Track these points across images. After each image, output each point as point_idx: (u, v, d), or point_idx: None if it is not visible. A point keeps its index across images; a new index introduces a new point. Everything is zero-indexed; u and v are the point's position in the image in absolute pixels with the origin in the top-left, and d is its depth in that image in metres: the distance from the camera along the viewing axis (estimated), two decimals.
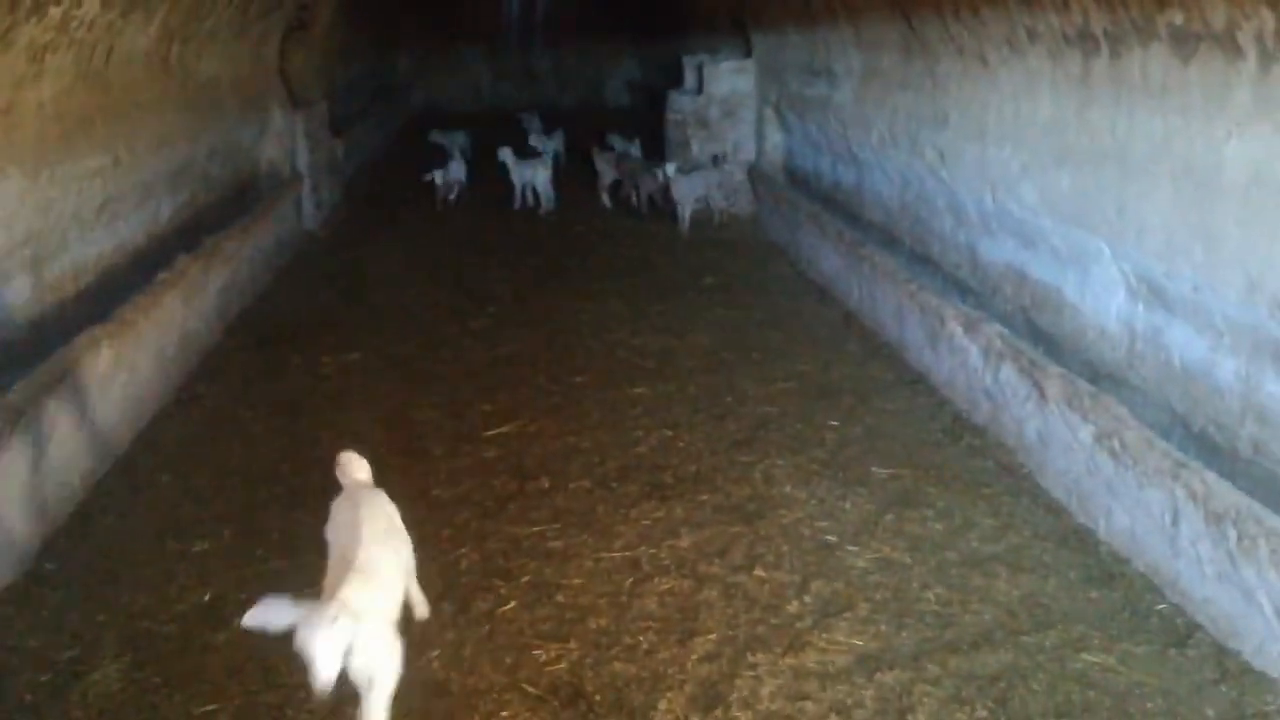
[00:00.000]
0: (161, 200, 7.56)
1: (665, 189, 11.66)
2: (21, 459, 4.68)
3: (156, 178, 7.45)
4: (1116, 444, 4.57)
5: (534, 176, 12.72)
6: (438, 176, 12.85)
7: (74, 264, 6.05)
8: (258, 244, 9.30)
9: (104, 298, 6.25)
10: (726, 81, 12.02)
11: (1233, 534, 3.83)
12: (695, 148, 12.17)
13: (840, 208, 9.35)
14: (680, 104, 12.38)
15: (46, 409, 4.93)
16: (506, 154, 12.76)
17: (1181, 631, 4.07)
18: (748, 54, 12.10)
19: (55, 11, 5.39)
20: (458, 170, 13.30)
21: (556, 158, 14.15)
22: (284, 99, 11.04)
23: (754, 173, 11.95)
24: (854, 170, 8.97)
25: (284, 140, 10.95)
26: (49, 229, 5.72)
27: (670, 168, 11.24)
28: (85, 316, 5.87)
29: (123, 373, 5.91)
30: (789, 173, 11.31)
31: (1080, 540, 4.78)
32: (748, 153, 12.11)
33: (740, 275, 9.72)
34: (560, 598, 4.45)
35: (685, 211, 11.31)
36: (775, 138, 11.55)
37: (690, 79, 12.72)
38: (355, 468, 4.16)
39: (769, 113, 11.51)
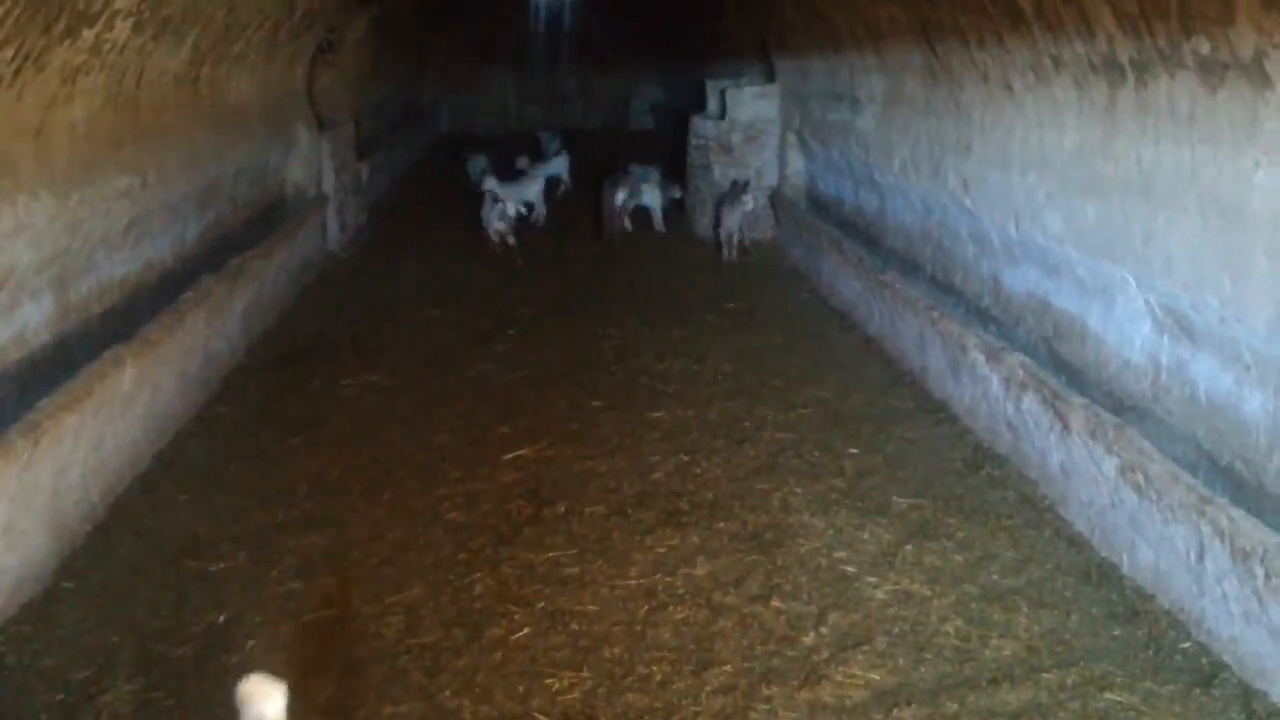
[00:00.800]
0: (188, 221, 7.65)
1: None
2: (42, 476, 4.72)
3: (184, 198, 7.53)
4: (1141, 477, 4.49)
5: (522, 195, 13.00)
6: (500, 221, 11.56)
7: (100, 283, 6.11)
8: (281, 265, 9.38)
9: (130, 317, 6.31)
10: (749, 106, 12.02)
11: (1260, 572, 3.74)
12: (717, 172, 12.17)
13: (862, 234, 9.32)
14: (703, 129, 12.40)
15: (68, 427, 4.97)
16: (491, 184, 12.31)
17: (1207, 671, 3.98)
18: (771, 79, 12.12)
19: (88, 34, 5.48)
20: (500, 214, 11.57)
21: (556, 179, 14.79)
22: (311, 121, 11.17)
23: (776, 198, 11.94)
24: (876, 196, 8.93)
25: (310, 162, 11.06)
26: (76, 248, 5.79)
27: (747, 197, 11.00)
28: (111, 335, 5.93)
29: (145, 392, 5.96)
30: (811, 198, 11.29)
31: (1103, 575, 4.69)
32: (770, 178, 12.09)
33: (761, 300, 9.70)
34: (575, 625, 4.42)
35: (731, 242, 11.21)
36: (797, 163, 11.54)
37: (713, 104, 12.74)
38: (261, 702, 2.86)
39: (791, 138, 11.51)
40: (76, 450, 5.06)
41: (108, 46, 5.82)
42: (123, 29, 5.87)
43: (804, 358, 7.97)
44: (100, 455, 5.35)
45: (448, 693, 3.97)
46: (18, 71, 4.94)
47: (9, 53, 4.77)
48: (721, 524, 5.28)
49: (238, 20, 7.85)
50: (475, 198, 12.37)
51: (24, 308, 5.23)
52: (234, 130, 8.76)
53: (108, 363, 5.52)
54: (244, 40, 8.35)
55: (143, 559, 4.97)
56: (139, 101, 6.67)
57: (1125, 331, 5.13)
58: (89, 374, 5.32)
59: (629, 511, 5.44)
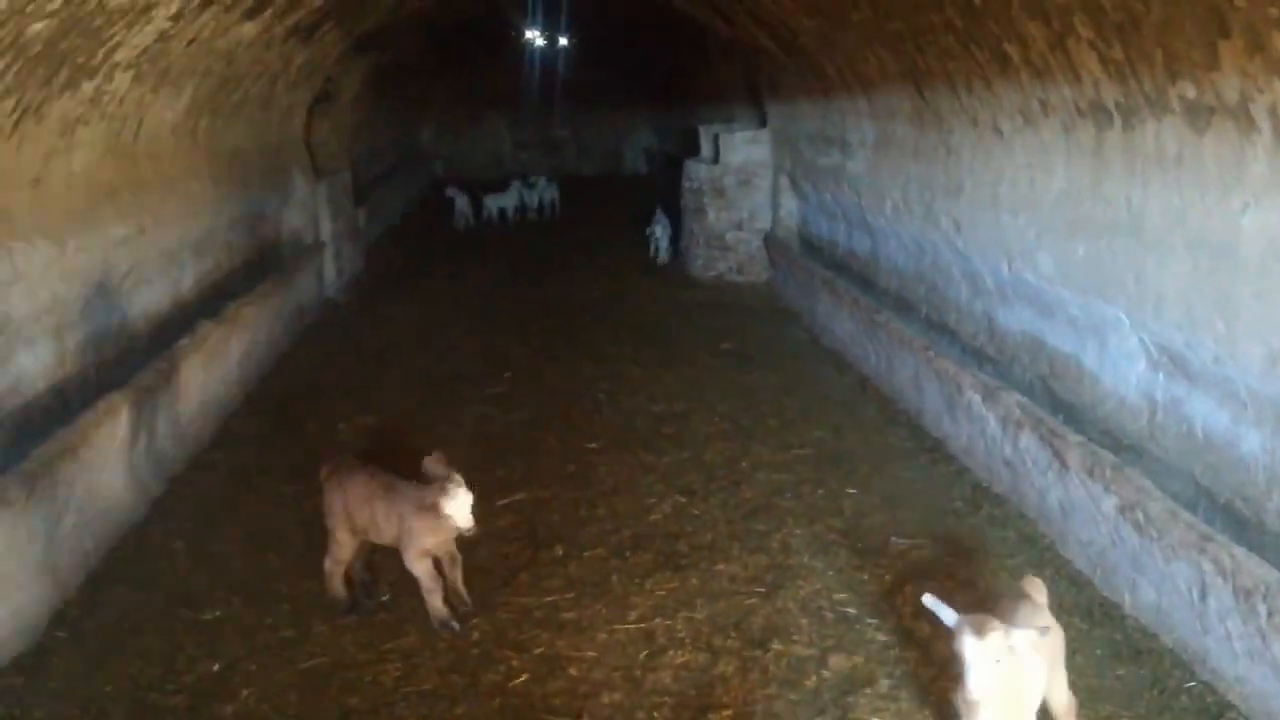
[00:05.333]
0: (185, 268, 7.68)
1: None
2: (37, 526, 4.68)
3: (181, 246, 7.58)
4: (1140, 516, 4.49)
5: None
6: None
7: (97, 331, 6.13)
8: (278, 311, 9.40)
9: (126, 364, 6.30)
10: (742, 150, 12.18)
11: (1263, 610, 3.73)
12: (711, 215, 12.30)
13: (855, 275, 9.38)
14: (696, 173, 12.54)
15: (63, 475, 4.94)
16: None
17: (1213, 711, 3.94)
18: (762, 124, 12.29)
19: (88, 87, 5.55)
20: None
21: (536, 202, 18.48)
22: (308, 168, 11.27)
23: (769, 240, 12.04)
24: (868, 238, 9.01)
25: (307, 208, 11.14)
26: (74, 296, 5.81)
27: None
28: (107, 382, 5.92)
29: (141, 439, 5.94)
30: (804, 240, 11.39)
31: (1106, 614, 4.67)
32: (763, 221, 12.22)
33: (756, 341, 9.73)
34: (573, 671, 4.37)
35: None
36: (790, 205, 11.66)
37: (706, 148, 12.90)
38: None
39: (784, 181, 11.63)
40: (72, 499, 5.03)
41: (107, 98, 5.90)
42: (122, 81, 5.95)
43: (800, 398, 7.98)
44: (95, 503, 5.31)
45: None
46: (17, 123, 5.01)
47: (9, 105, 4.84)
48: (720, 566, 5.24)
49: (236, 72, 7.96)
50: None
51: (20, 356, 5.23)
52: (231, 179, 8.84)
53: (103, 410, 5.50)
54: (242, 91, 8.46)
55: (137, 608, 4.92)
56: (137, 152, 6.74)
57: (1120, 370, 5.16)
58: (85, 422, 5.30)
59: (627, 554, 5.41)
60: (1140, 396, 5.00)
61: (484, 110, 24.19)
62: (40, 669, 4.38)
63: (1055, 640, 3.48)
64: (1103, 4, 4.40)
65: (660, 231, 13.82)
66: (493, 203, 17.79)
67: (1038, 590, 3.63)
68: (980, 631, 3.06)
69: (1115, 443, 5.12)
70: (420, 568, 4.62)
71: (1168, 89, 4.30)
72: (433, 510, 4.41)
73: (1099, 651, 4.39)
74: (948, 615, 3.20)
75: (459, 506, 4.37)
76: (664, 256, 13.71)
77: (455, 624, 4.67)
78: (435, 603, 4.66)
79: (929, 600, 3.26)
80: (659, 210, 14.05)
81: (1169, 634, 4.36)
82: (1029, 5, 5.00)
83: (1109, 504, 4.75)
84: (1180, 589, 4.24)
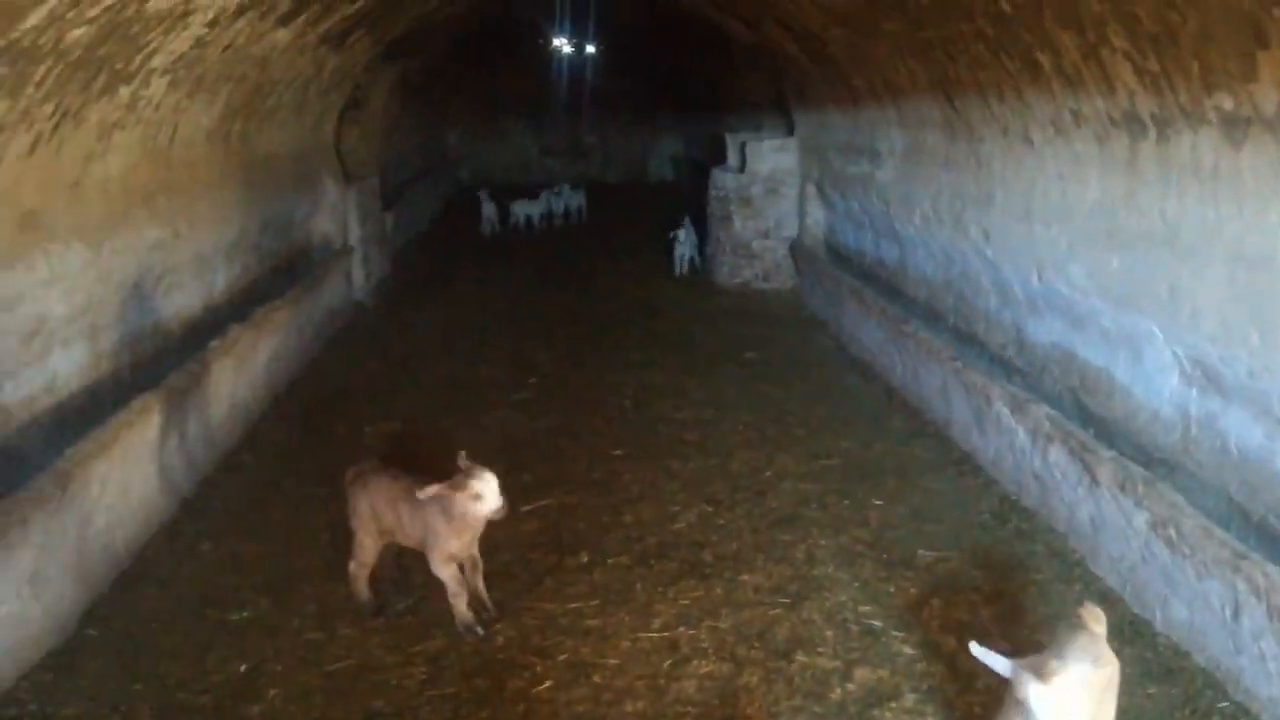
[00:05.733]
0: (217, 271, 7.77)
1: None
2: (69, 524, 4.74)
3: (214, 250, 7.66)
4: (1173, 532, 4.43)
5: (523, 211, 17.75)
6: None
7: (131, 332, 6.20)
8: (308, 314, 9.48)
9: (158, 366, 6.38)
10: (769, 159, 12.16)
11: None
12: (738, 223, 12.29)
13: (883, 284, 9.34)
14: (723, 181, 12.53)
15: (96, 474, 5.01)
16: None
17: None
18: (790, 132, 12.26)
19: (125, 91, 5.63)
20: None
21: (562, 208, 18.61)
22: (337, 173, 11.36)
23: (796, 248, 12.01)
24: (896, 247, 8.97)
25: (337, 213, 11.24)
26: (108, 299, 5.89)
27: None
28: (139, 384, 5.99)
29: (172, 440, 6.01)
30: (831, 249, 11.35)
31: (1136, 632, 4.61)
32: (790, 229, 12.19)
33: (782, 350, 9.71)
34: (597, 678, 4.37)
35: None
36: (817, 214, 11.62)
37: (733, 156, 12.90)
38: None
39: (811, 189, 11.60)
40: (103, 498, 5.09)
41: (143, 103, 5.98)
42: (159, 86, 6.03)
43: (826, 407, 7.94)
44: (127, 503, 5.38)
45: None
46: (56, 127, 5.08)
47: (49, 109, 4.91)
48: (745, 576, 5.23)
49: (269, 78, 8.05)
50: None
51: (56, 356, 5.31)
52: (263, 183, 8.93)
53: (136, 411, 5.57)
54: (275, 97, 8.55)
55: (166, 607, 4.97)
56: (172, 156, 6.82)
57: (1153, 383, 5.10)
58: (117, 422, 5.37)
59: (651, 562, 5.40)
60: (1173, 410, 4.94)
61: (510, 116, 24.32)
62: (71, 666, 4.44)
63: (1110, 674, 3.34)
64: (1138, 14, 4.37)
65: (684, 237, 13.47)
66: (519, 209, 17.73)
67: (1097, 620, 3.45)
68: (1043, 676, 2.93)
69: (1147, 457, 5.06)
70: (446, 572, 4.63)
71: (1204, 100, 4.26)
72: (462, 489, 4.36)
73: (1129, 670, 4.30)
74: (1001, 664, 3.02)
75: (487, 486, 4.38)
76: (686, 268, 13.44)
77: (479, 629, 4.68)
78: (460, 607, 4.67)
79: (977, 650, 3.08)
80: (687, 221, 13.81)
81: (1201, 653, 4.30)
82: (1062, 15, 4.96)
83: (1140, 520, 4.69)
84: (1213, 607, 4.18)
